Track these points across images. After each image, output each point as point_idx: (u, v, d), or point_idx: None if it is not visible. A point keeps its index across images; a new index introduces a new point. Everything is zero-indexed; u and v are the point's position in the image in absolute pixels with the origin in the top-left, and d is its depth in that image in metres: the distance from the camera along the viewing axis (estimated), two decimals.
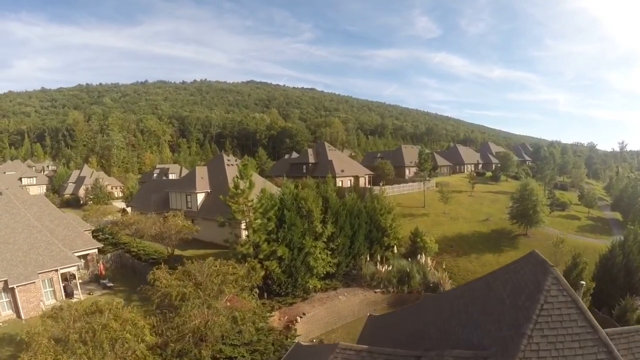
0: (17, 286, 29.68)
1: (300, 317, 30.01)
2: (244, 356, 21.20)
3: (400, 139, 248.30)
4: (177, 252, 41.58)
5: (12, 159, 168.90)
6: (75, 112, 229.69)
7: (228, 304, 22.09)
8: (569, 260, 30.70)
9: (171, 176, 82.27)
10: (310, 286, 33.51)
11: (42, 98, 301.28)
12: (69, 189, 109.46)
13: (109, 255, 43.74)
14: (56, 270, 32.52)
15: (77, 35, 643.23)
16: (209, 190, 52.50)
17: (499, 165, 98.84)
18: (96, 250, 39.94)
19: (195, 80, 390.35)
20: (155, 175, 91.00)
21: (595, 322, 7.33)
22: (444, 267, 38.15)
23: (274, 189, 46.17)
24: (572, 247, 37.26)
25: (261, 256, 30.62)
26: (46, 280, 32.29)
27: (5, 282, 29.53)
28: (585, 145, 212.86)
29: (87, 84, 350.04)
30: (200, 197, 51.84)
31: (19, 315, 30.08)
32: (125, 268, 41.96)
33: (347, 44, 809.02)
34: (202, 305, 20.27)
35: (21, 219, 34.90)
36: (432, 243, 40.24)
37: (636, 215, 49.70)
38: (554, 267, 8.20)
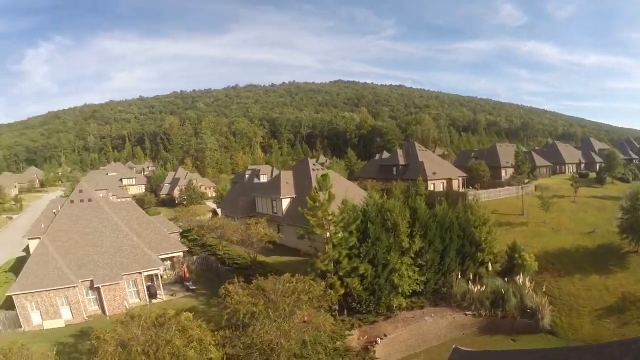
0: (102, 286, 32.45)
1: (382, 339, 28.46)
2: None
3: (494, 135, 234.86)
4: (260, 258, 42.16)
5: (115, 161, 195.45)
6: (171, 117, 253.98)
7: (304, 320, 21.05)
8: None
9: (262, 177, 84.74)
10: (395, 304, 31.31)
11: (141, 105, 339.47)
12: (165, 189, 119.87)
13: (195, 257, 45.84)
14: (140, 273, 34.62)
15: (169, 47, 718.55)
16: (294, 196, 52.49)
17: (604, 165, 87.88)
18: (181, 253, 41.92)
19: (284, 83, 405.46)
20: (247, 176, 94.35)
21: None
22: (544, 290, 34.64)
23: (360, 194, 44.53)
24: None
25: (341, 273, 29.11)
26: (130, 281, 34.60)
27: (92, 282, 32.54)
28: None
29: (181, 91, 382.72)
30: (286, 203, 52.08)
31: (104, 312, 32.94)
32: (210, 271, 43.56)
33: (432, 38, 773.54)
34: (271, 325, 19.21)
35: (109, 224, 37.84)
36: (532, 261, 36.17)
37: None
38: None
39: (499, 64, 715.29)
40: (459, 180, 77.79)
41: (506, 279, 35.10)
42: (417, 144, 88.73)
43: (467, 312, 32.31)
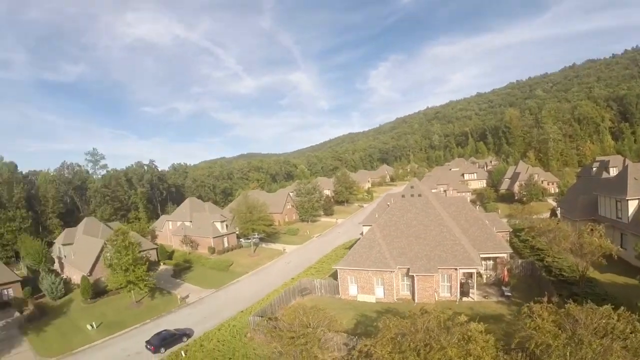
0: (416, 275, 35.35)
1: None
2: None
3: None
4: (592, 273, 35.37)
5: (458, 157, 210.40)
6: (510, 109, 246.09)
7: None
8: None
9: (612, 171, 69.19)
10: None
11: (479, 101, 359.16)
12: (504, 184, 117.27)
13: (519, 261, 42.27)
14: (455, 269, 35.33)
15: (494, 39, 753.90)
16: None
17: None
18: (506, 255, 39.75)
19: (626, 50, 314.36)
20: (594, 169, 79.64)
21: None
22: None
23: None
24: None
25: None
26: (445, 275, 35.95)
27: (408, 269, 36.04)
28: None
29: (517, 81, 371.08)
30: (632, 206, 40.90)
31: (413, 298, 36.07)
32: (533, 279, 39.54)
33: None
34: None
35: (434, 218, 40.06)
36: None
37: None
38: None
39: None
40: None
41: None
42: None
43: None
